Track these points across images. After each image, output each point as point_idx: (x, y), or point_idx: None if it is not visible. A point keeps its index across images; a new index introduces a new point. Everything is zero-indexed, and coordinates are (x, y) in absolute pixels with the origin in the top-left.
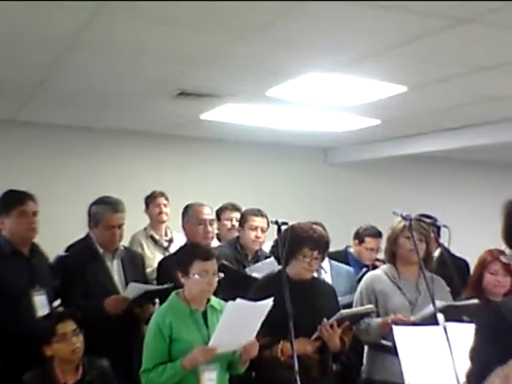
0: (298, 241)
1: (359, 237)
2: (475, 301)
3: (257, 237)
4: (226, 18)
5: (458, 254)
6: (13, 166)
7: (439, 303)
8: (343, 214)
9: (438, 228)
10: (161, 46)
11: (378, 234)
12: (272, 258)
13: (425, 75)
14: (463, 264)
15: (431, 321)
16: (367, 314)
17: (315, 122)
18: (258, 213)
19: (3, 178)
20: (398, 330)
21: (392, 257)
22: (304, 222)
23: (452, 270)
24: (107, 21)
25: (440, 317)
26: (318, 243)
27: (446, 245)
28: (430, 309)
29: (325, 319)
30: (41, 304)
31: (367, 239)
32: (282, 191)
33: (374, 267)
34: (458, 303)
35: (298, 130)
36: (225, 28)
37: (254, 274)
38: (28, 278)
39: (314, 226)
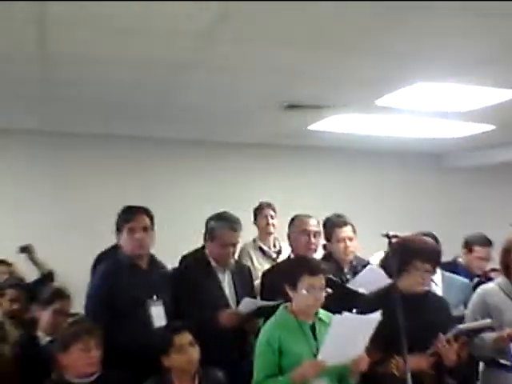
0: (409, 254)
1: (468, 246)
2: None
3: (345, 247)
4: (333, 33)
5: None
6: (131, 180)
7: None
8: (457, 221)
9: None
10: (272, 62)
11: (487, 243)
12: (371, 265)
13: None
14: None
15: None
16: (485, 329)
17: (428, 128)
18: (342, 223)
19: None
20: None
21: (506, 269)
22: (415, 235)
23: None
24: (220, 43)
25: None
26: (430, 256)
27: None
28: None
29: (441, 334)
30: (158, 315)
31: (476, 248)
32: (396, 199)
33: (488, 278)
34: None
35: (410, 137)
36: (333, 43)
37: (361, 290)
38: (146, 289)
39: (426, 238)
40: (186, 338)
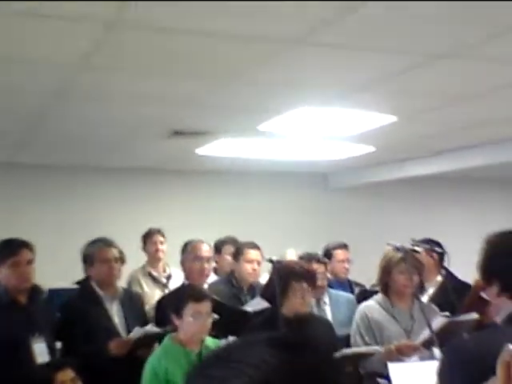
0: (285, 277)
1: (328, 252)
2: (474, 315)
3: (253, 269)
4: (211, 64)
5: (463, 275)
6: (12, 208)
7: (440, 319)
8: (340, 235)
9: (441, 253)
10: (151, 91)
11: (344, 246)
12: (258, 298)
13: (412, 106)
14: (468, 288)
15: (431, 345)
16: (369, 355)
17: (312, 150)
18: (254, 246)
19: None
20: (393, 367)
21: (385, 287)
22: (291, 260)
23: (452, 295)
24: (93, 72)
25: (436, 351)
26: (303, 275)
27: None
28: (426, 332)
29: None
30: (40, 352)
31: (335, 252)
32: (285, 218)
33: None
34: (457, 318)
35: (295, 159)
36: (212, 73)
37: (249, 309)
38: (26, 326)
39: (299, 261)
40: (67, 374)
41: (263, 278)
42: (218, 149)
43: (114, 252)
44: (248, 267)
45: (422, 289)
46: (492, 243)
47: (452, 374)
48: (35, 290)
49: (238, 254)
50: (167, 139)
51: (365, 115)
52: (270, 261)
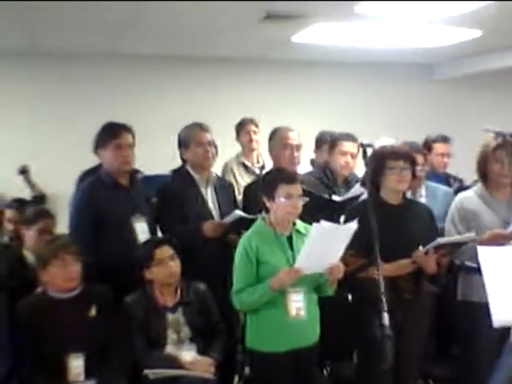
0: (380, 157)
1: (427, 144)
2: None
3: (346, 162)
4: None
5: None
6: (111, 97)
7: None
8: (444, 127)
9: None
10: None
11: (445, 139)
12: (358, 185)
13: None
14: None
15: None
16: (466, 243)
17: (414, 37)
18: (349, 137)
19: (103, 111)
20: (482, 251)
21: (483, 177)
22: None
23: None
24: None
25: None
26: (399, 153)
27: None
28: None
29: (420, 248)
30: (141, 230)
31: (435, 145)
32: (387, 111)
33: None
34: None
35: (396, 47)
36: None
37: (336, 198)
38: (129, 206)
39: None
40: (166, 251)
41: (361, 171)
42: (314, 36)
43: (208, 136)
44: (342, 160)
45: None
46: None
47: None
48: (135, 173)
49: (332, 146)
50: (261, 24)
51: None
52: (361, 145)
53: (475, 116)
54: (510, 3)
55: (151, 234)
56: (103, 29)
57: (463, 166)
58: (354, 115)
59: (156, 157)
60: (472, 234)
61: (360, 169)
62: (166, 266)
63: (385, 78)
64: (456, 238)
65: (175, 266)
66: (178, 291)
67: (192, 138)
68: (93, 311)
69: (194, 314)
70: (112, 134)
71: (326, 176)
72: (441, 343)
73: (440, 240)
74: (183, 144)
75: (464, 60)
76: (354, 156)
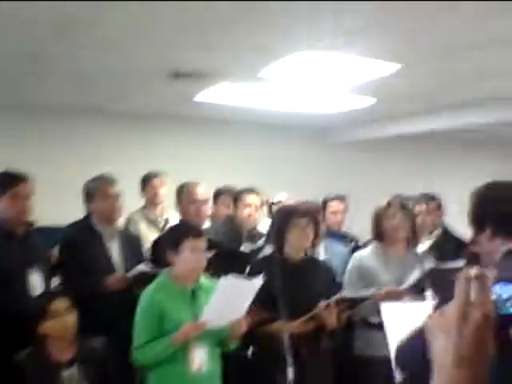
0: (285, 214)
1: (323, 203)
2: (462, 263)
3: (250, 214)
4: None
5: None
6: (13, 148)
7: (427, 266)
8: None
9: (438, 206)
10: (153, 30)
11: (340, 197)
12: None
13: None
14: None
15: (418, 289)
16: (366, 299)
17: (312, 103)
18: (251, 191)
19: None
20: (385, 307)
21: (378, 236)
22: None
23: (448, 246)
24: None
25: (428, 293)
26: (305, 211)
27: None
28: (415, 275)
29: (322, 301)
30: (36, 284)
31: (330, 203)
32: (284, 168)
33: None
34: (444, 266)
35: (293, 111)
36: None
37: (244, 249)
38: (24, 258)
39: (303, 200)
40: (62, 303)
41: (263, 225)
42: (217, 95)
43: (115, 188)
44: (245, 212)
45: (415, 238)
46: (480, 192)
47: None
48: (31, 224)
49: (237, 200)
50: (168, 82)
51: (368, 62)
52: (271, 203)
53: (368, 178)
54: (404, 72)
55: (46, 287)
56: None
57: (358, 224)
58: (255, 171)
59: (53, 208)
60: (372, 292)
61: (263, 223)
62: (62, 320)
63: (284, 138)
64: (359, 294)
65: (71, 318)
66: (74, 347)
67: (99, 191)
68: None
69: (91, 369)
70: (9, 183)
71: (232, 230)
72: None
73: (343, 294)
74: (89, 196)
75: (357, 126)
76: (257, 208)
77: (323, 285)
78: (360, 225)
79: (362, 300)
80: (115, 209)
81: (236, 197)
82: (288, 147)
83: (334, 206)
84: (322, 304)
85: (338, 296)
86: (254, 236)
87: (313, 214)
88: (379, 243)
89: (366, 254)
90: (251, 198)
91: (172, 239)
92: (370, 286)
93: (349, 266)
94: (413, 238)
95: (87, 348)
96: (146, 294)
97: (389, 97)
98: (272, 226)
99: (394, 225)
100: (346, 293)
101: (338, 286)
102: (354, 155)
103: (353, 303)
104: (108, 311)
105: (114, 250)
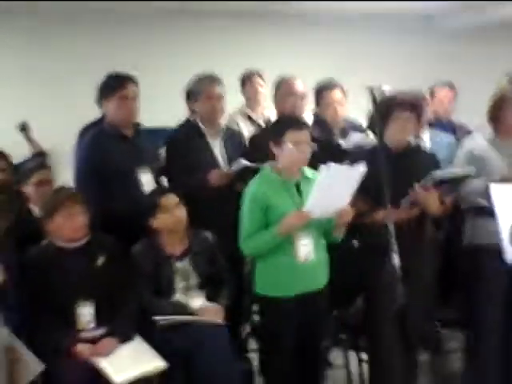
0: (388, 105)
1: (431, 91)
2: None
3: (335, 111)
4: None
5: None
6: (112, 52)
7: None
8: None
9: None
10: None
11: (448, 85)
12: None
13: None
14: None
15: None
16: (466, 178)
17: None
18: (331, 86)
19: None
20: (495, 188)
21: (494, 120)
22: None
23: None
24: None
25: None
26: (408, 104)
27: None
28: None
29: (416, 183)
30: (147, 181)
31: (438, 90)
32: (385, 60)
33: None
34: None
35: None
36: None
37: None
38: (134, 157)
39: (408, 91)
40: (172, 198)
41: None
42: None
43: (219, 89)
44: (330, 110)
45: None
46: None
47: None
48: (139, 125)
49: (318, 98)
50: None
51: None
52: (370, 89)
53: (480, 67)
54: None
55: (156, 185)
56: None
57: (467, 115)
58: (356, 67)
59: (158, 110)
60: (469, 168)
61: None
62: (173, 214)
63: (387, 29)
64: (454, 171)
65: (181, 213)
66: (186, 239)
67: (202, 91)
68: (100, 261)
69: (202, 262)
70: (117, 85)
71: (322, 128)
72: (445, 288)
73: (435, 174)
74: (193, 96)
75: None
76: (340, 103)
77: (428, 173)
78: (471, 115)
79: (460, 180)
80: (218, 110)
81: (317, 95)
82: (394, 37)
83: (443, 93)
84: (418, 186)
85: (430, 176)
86: (346, 130)
87: (416, 106)
88: (494, 131)
89: (477, 140)
90: (333, 95)
91: (275, 132)
92: (481, 174)
93: (458, 152)
94: None
95: (199, 240)
96: (251, 187)
97: None
98: (373, 115)
99: None
100: (441, 171)
101: None
102: (464, 42)
103: (452, 184)
104: (213, 206)
105: (218, 148)
